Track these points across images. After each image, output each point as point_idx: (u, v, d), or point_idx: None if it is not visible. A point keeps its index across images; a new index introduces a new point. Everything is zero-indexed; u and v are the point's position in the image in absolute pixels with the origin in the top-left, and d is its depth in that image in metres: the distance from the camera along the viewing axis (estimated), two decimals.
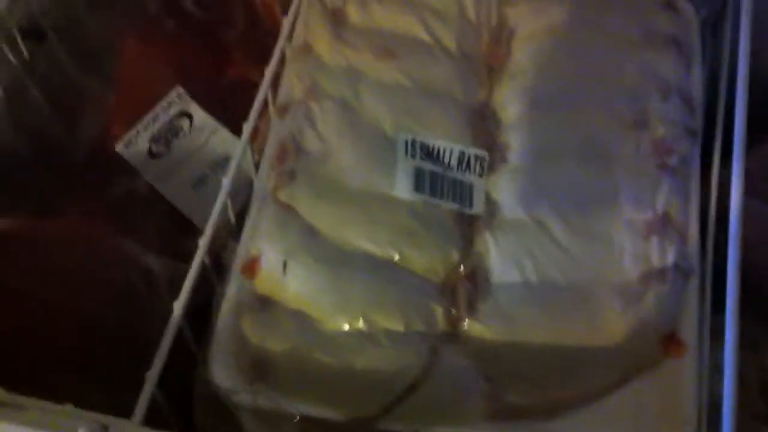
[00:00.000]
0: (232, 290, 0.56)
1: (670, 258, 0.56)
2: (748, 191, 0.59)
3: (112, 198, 0.69)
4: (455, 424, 0.51)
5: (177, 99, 0.73)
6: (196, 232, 0.68)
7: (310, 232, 0.56)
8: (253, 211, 0.59)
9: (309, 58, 0.64)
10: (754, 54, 0.61)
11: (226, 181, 0.59)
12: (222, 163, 0.71)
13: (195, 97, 0.73)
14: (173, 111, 0.73)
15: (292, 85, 0.63)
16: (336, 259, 0.55)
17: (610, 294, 0.55)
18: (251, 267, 0.56)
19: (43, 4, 0.71)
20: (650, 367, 0.53)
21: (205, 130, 0.73)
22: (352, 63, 0.63)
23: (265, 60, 0.73)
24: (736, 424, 0.48)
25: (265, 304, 0.55)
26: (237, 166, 0.60)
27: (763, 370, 0.64)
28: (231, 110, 0.73)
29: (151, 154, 0.71)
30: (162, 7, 0.75)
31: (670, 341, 0.54)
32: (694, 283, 0.56)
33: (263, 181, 0.60)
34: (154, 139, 0.72)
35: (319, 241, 0.56)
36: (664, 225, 0.57)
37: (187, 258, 0.64)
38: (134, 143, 0.71)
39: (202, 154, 0.72)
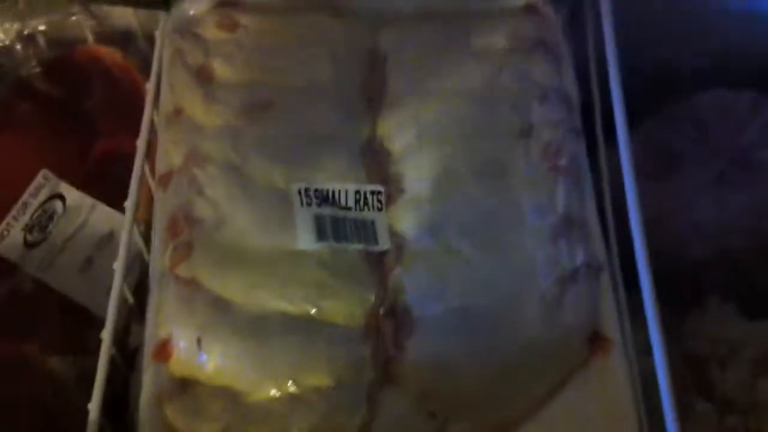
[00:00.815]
0: (148, 379, 0.53)
1: (580, 258, 0.56)
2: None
3: None
4: None
5: (44, 181, 0.69)
6: (93, 317, 0.65)
7: (220, 303, 0.54)
8: (153, 293, 0.56)
9: (182, 122, 0.61)
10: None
11: (117, 265, 0.56)
12: (106, 240, 0.68)
13: (64, 176, 0.69)
14: (43, 195, 0.69)
15: (169, 154, 0.60)
16: (252, 326, 0.53)
17: (530, 305, 0.55)
18: (163, 350, 0.53)
19: None
20: (580, 370, 0.54)
21: (82, 208, 0.69)
22: (228, 121, 0.60)
23: (131, 126, 0.70)
24: (675, 401, 0.49)
25: (185, 386, 0.52)
26: (126, 248, 0.57)
27: (683, 342, 0.66)
28: (106, 186, 0.70)
29: (27, 245, 0.67)
30: (11, 91, 0.71)
31: (595, 340, 0.54)
32: (605, 277, 0.57)
33: (158, 259, 0.56)
34: (29, 228, 0.67)
35: (231, 310, 0.54)
36: (568, 227, 0.57)
37: (90, 347, 0.61)
38: (7, 237, 0.67)
39: (82, 235, 0.68)
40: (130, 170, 0.62)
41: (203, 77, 0.62)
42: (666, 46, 0.78)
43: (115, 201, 0.68)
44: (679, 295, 0.68)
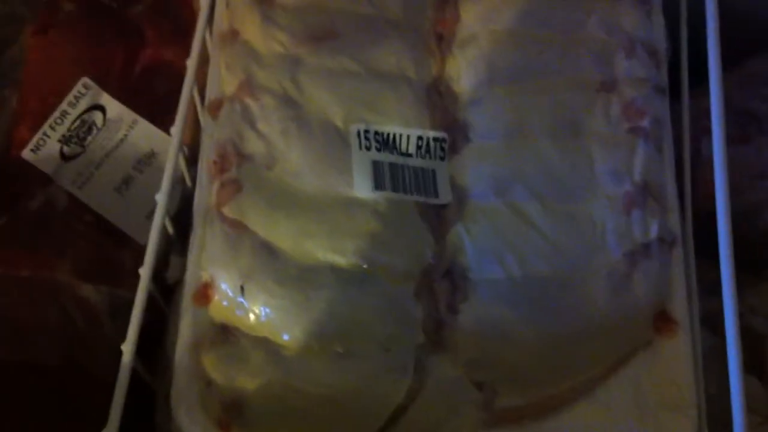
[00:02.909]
0: (186, 323, 0.50)
1: (654, 231, 0.52)
2: (708, 133, 0.55)
3: (26, 214, 0.61)
4: None
5: (85, 90, 0.65)
6: (128, 239, 0.62)
7: (267, 250, 0.50)
8: (197, 230, 0.52)
9: (237, 45, 0.56)
10: None
11: (160, 198, 0.53)
12: (146, 160, 0.64)
13: (106, 86, 0.65)
14: (82, 105, 0.65)
15: (222, 79, 0.56)
16: (300, 277, 0.50)
17: (597, 279, 0.51)
18: (204, 294, 0.50)
19: None
20: (644, 349, 0.51)
21: (123, 123, 0.65)
22: (288, 48, 0.56)
23: (180, 37, 0.66)
24: (743, 388, 0.47)
25: (225, 335, 0.49)
26: (170, 179, 0.53)
27: (740, 316, 0.63)
28: (148, 97, 0.66)
29: (64, 157, 0.63)
30: None
31: (662, 320, 0.51)
32: (678, 252, 0.53)
33: (204, 193, 0.53)
34: (66, 140, 0.64)
35: (278, 258, 0.50)
36: (644, 196, 0.53)
37: (123, 274, 0.59)
38: (43, 147, 0.63)
39: (122, 152, 0.64)
40: (175, 84, 0.58)
41: None
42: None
43: (157, 115, 0.65)
44: (746, 264, 0.64)
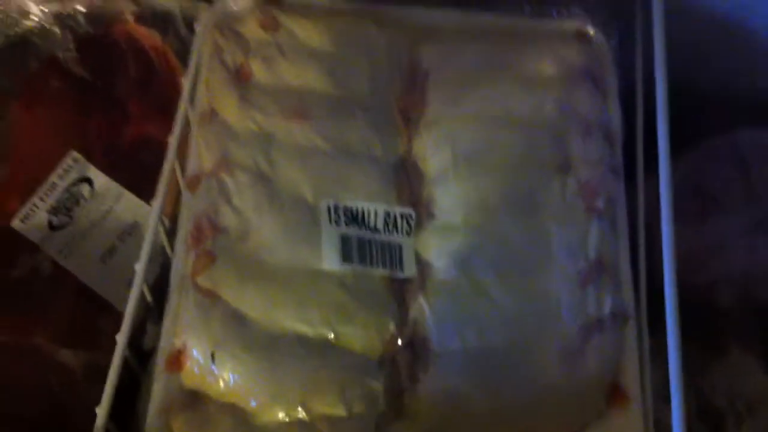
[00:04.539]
0: (159, 388, 0.52)
1: (607, 306, 0.55)
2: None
3: (11, 281, 0.64)
4: None
5: (73, 164, 0.68)
6: (109, 307, 0.64)
7: (237, 319, 0.53)
8: (172, 298, 0.55)
9: (216, 124, 0.60)
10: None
11: (139, 267, 0.55)
12: (130, 230, 0.67)
13: (93, 160, 0.68)
14: (71, 177, 0.68)
15: (201, 155, 0.59)
16: (267, 345, 0.52)
17: (550, 351, 0.54)
18: (176, 360, 0.53)
19: None
20: (596, 421, 0.53)
21: (109, 195, 0.68)
22: (262, 127, 0.59)
23: (164, 112, 0.69)
24: None
25: (195, 400, 0.52)
26: (149, 249, 0.56)
27: (701, 394, 0.65)
28: (134, 171, 0.69)
29: (52, 227, 0.66)
30: (44, 69, 0.70)
31: (614, 392, 0.53)
32: (631, 327, 0.55)
33: (180, 263, 0.56)
34: (54, 211, 0.67)
35: (248, 327, 0.53)
36: (598, 272, 0.56)
37: (102, 340, 0.61)
38: (32, 217, 0.66)
39: (107, 223, 0.67)
40: (159, 158, 0.61)
41: (241, 79, 0.61)
42: (712, 78, 0.76)
43: (142, 188, 0.67)
44: (703, 343, 0.67)
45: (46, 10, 0.70)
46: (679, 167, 0.73)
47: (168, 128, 0.62)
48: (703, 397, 0.64)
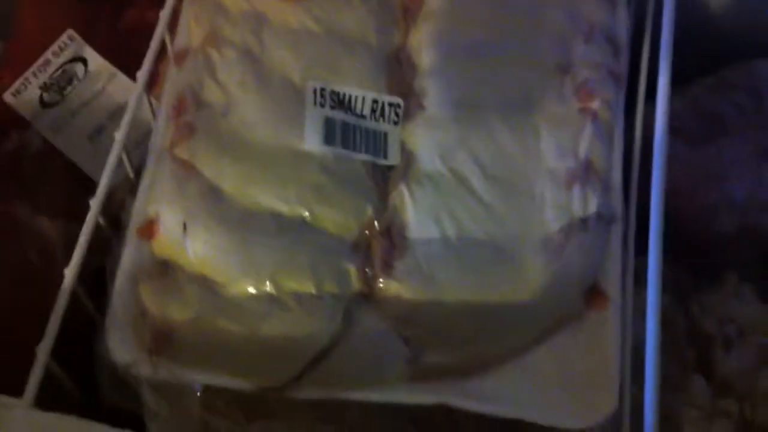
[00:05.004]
0: (128, 254, 0.52)
1: (592, 206, 0.53)
2: (674, 132, 0.57)
3: (2, 154, 0.63)
4: (373, 389, 0.49)
5: (69, 42, 0.67)
6: (94, 187, 0.63)
7: (212, 192, 0.52)
8: (149, 168, 0.54)
9: (207, 0, 0.58)
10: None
11: (118, 135, 0.55)
12: (120, 112, 0.66)
13: (90, 40, 0.67)
14: (66, 56, 0.67)
15: (190, 30, 0.58)
16: (241, 220, 0.51)
17: (532, 248, 0.52)
18: (148, 229, 0.52)
19: None
20: (573, 320, 0.51)
21: (102, 76, 0.67)
22: (255, 6, 0.58)
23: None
24: (659, 371, 0.47)
25: (164, 269, 0.51)
26: (130, 118, 0.55)
27: (690, 317, 0.63)
28: (130, 55, 0.67)
29: (43, 104, 0.66)
30: None
31: (593, 293, 0.52)
32: (617, 230, 0.54)
33: (160, 135, 0.55)
34: (46, 87, 0.66)
35: (223, 201, 0.52)
36: (586, 172, 0.54)
37: (84, 215, 0.61)
38: (24, 92, 0.66)
39: (98, 103, 0.67)
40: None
41: None
42: (729, 9, 0.73)
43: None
44: (699, 268, 0.65)
45: None
46: (691, 90, 0.71)
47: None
48: (692, 320, 0.63)
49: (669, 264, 0.51)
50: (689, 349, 0.63)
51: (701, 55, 0.70)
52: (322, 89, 0.55)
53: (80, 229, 0.58)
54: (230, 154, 0.53)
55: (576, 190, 0.53)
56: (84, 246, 0.51)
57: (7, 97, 0.65)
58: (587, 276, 0.52)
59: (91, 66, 0.67)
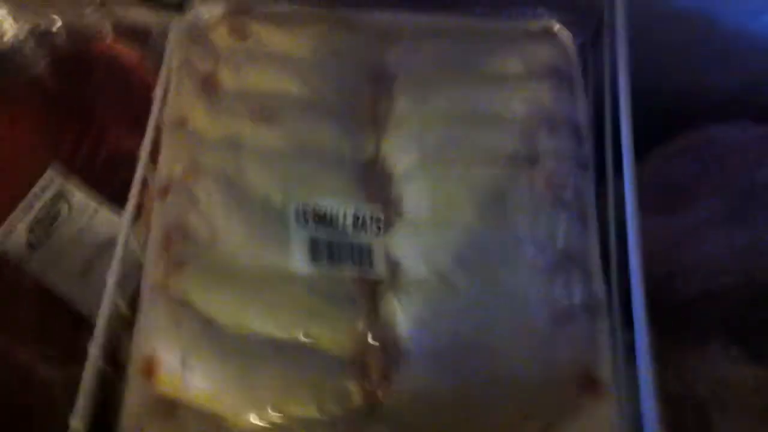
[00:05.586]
0: (132, 395, 0.52)
1: (577, 296, 0.55)
2: (643, 206, 0.59)
3: None
4: None
5: (51, 180, 0.69)
6: (91, 324, 0.64)
7: (208, 324, 0.53)
8: (144, 307, 0.55)
9: (185, 133, 0.60)
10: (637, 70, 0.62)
11: (110, 275, 0.56)
12: (107, 245, 0.67)
13: (70, 177, 0.69)
14: (49, 194, 0.68)
15: (170, 164, 0.59)
16: (238, 350, 0.52)
17: (521, 343, 0.54)
18: (149, 368, 0.53)
19: None
20: (570, 411, 0.52)
21: (86, 211, 0.68)
22: (230, 132, 0.60)
23: (142, 128, 0.69)
24: None
25: (169, 407, 0.52)
26: (120, 258, 0.56)
27: (688, 386, 0.64)
28: (112, 186, 0.69)
29: (30, 245, 0.67)
30: (22, 85, 0.71)
31: (586, 382, 0.53)
32: (602, 318, 0.55)
33: (150, 272, 0.56)
34: (31, 229, 0.67)
35: (218, 331, 0.53)
36: (566, 263, 0.56)
37: (83, 356, 0.61)
38: (10, 235, 0.67)
39: (85, 238, 0.68)
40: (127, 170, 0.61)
41: (209, 86, 0.62)
42: (684, 76, 0.76)
43: (121, 203, 0.68)
44: (682, 333, 0.66)
45: (23, 26, 0.70)
46: (651, 161, 0.74)
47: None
48: (686, 386, 0.64)
49: (657, 335, 0.53)
50: (687, 415, 0.64)
51: (655, 124, 0.72)
52: (305, 208, 0.57)
53: (79, 370, 0.59)
54: (221, 284, 0.55)
55: (558, 281, 0.55)
56: (88, 392, 0.52)
57: None
58: (579, 367, 0.54)
59: (75, 202, 0.68)
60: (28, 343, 0.60)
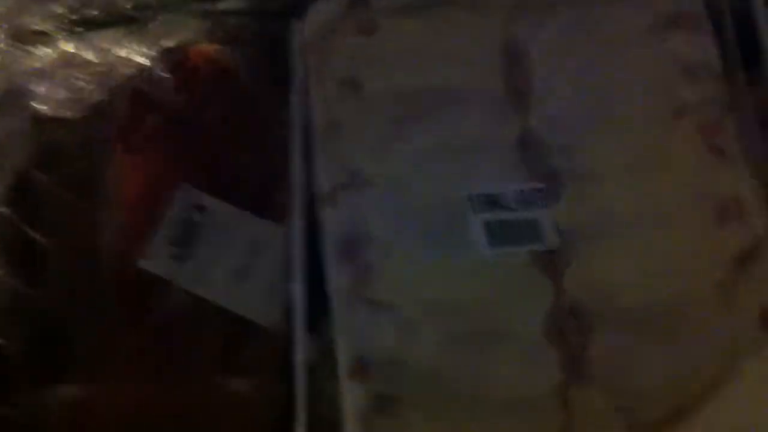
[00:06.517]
0: (347, 399, 0.55)
1: (750, 237, 0.57)
2: None
3: (151, 324, 0.65)
4: None
5: (184, 195, 0.69)
6: (254, 326, 0.66)
7: (408, 326, 0.57)
8: (340, 313, 0.57)
9: (339, 137, 0.61)
10: None
11: (297, 288, 0.57)
12: (255, 247, 0.68)
13: (201, 188, 0.69)
14: (184, 208, 0.69)
15: (331, 171, 0.61)
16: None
17: (704, 291, 0.56)
18: (358, 370, 0.56)
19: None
20: (753, 346, 0.55)
21: (224, 218, 0.69)
22: (383, 135, 0.61)
23: (251, 136, 0.70)
24: None
25: (385, 403, 0.55)
26: (301, 273, 0.58)
27: None
28: (241, 192, 0.70)
29: (176, 259, 0.68)
30: (136, 108, 0.70)
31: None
32: None
33: (336, 279, 0.58)
34: (174, 243, 0.68)
35: (420, 331, 0.57)
36: (732, 208, 0.58)
37: (253, 361, 0.63)
38: (156, 254, 0.67)
39: (231, 244, 0.69)
40: (257, 182, 0.65)
41: (352, 88, 0.62)
42: None
43: (253, 208, 0.69)
44: None
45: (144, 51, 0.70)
46: None
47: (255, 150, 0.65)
48: None
49: None
50: None
51: None
52: (472, 195, 0.58)
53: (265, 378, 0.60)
54: (410, 283, 0.58)
55: (729, 225, 0.57)
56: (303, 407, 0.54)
57: (142, 263, 0.67)
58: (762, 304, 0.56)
59: (212, 211, 0.69)
60: (218, 362, 0.61)
